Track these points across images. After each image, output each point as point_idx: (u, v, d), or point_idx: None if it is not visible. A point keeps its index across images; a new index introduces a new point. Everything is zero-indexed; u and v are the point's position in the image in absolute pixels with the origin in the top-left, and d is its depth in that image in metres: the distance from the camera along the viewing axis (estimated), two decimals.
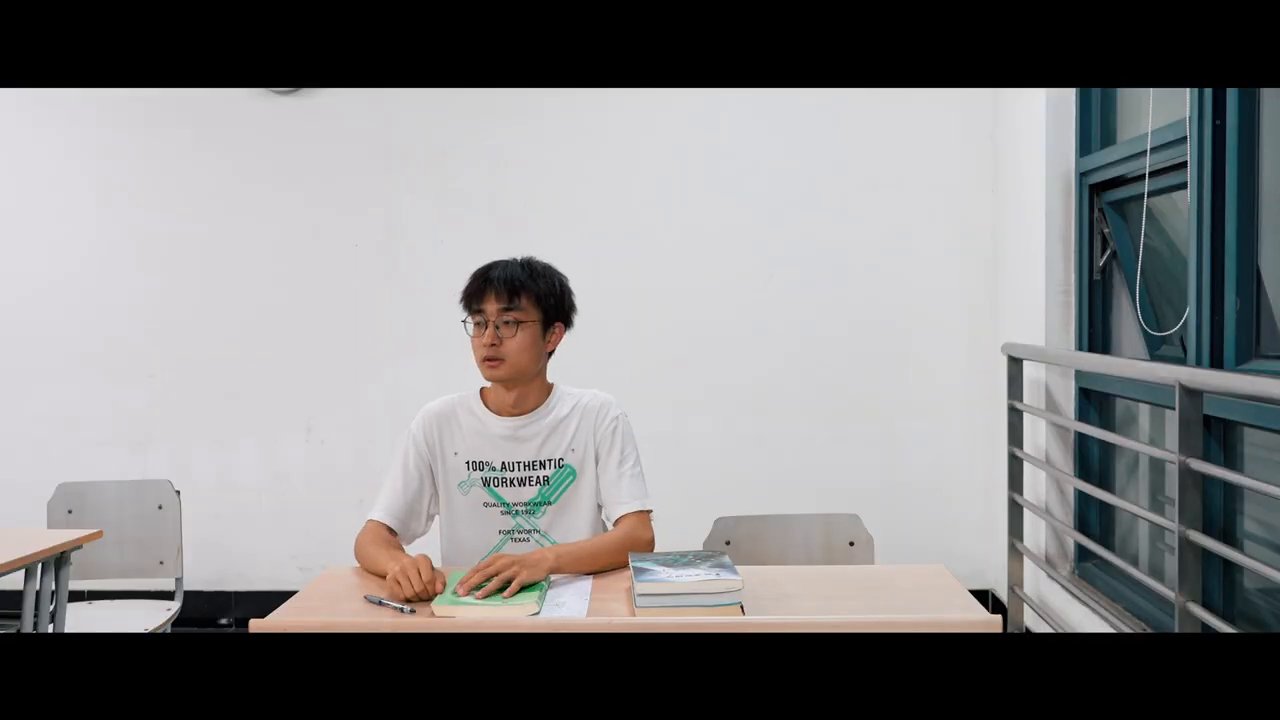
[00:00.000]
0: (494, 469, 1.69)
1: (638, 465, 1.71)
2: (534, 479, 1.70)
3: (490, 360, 1.64)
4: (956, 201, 3.12)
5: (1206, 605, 1.79)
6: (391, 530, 1.68)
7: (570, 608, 1.41)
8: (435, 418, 1.72)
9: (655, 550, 1.63)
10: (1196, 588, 1.77)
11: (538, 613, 1.38)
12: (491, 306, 1.64)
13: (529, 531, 1.70)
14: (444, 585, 1.46)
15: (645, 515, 1.67)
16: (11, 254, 3.29)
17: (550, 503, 1.70)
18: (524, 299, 1.65)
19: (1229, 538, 1.89)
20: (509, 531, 1.70)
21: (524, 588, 1.45)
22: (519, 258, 1.70)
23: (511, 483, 1.70)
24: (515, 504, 1.70)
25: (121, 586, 2.72)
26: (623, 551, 1.58)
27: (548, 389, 1.74)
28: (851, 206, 3.13)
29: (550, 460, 1.70)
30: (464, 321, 1.68)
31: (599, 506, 1.72)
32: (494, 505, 1.70)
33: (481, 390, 1.75)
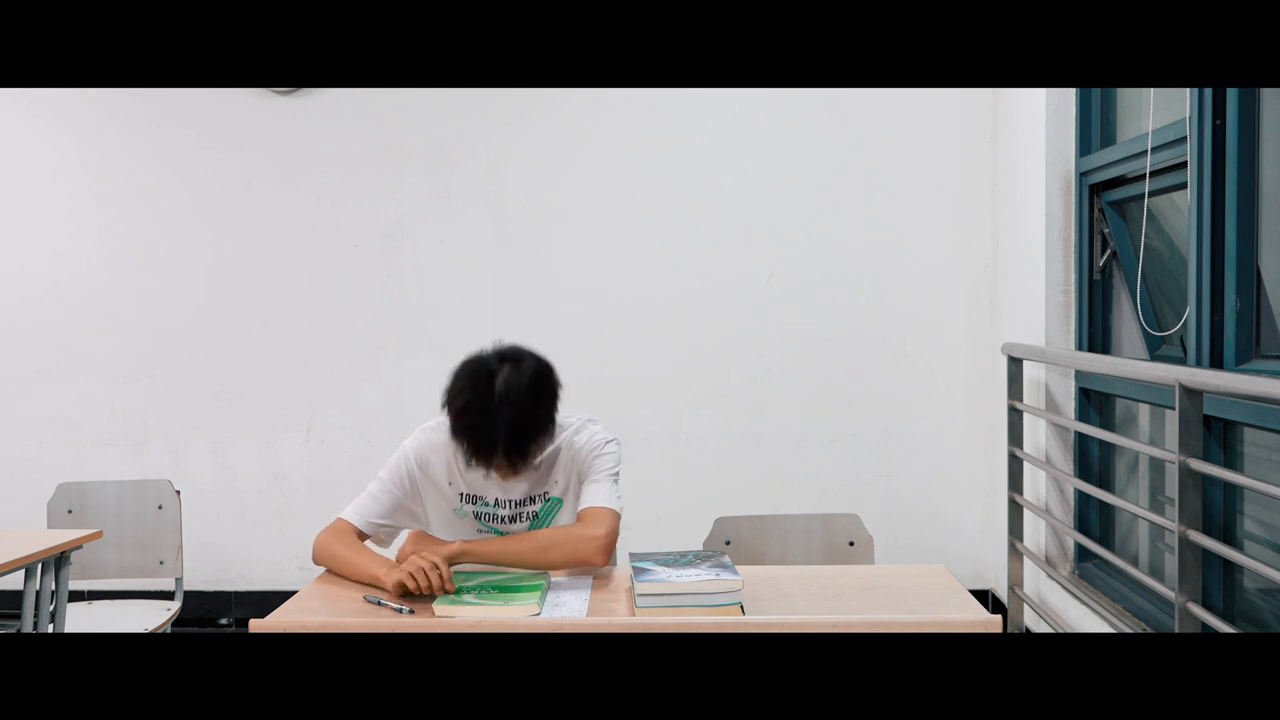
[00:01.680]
0: (486, 504, 1.67)
1: (614, 477, 1.66)
2: (525, 514, 1.68)
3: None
4: (956, 201, 3.12)
5: (1206, 605, 1.79)
6: (361, 535, 1.66)
7: (570, 608, 1.41)
8: (431, 446, 1.68)
9: (654, 551, 1.63)
10: (1196, 587, 1.77)
11: (538, 613, 1.38)
12: (502, 471, 1.57)
13: None
14: (453, 585, 1.46)
15: (605, 511, 1.60)
16: (10, 254, 3.29)
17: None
18: (530, 457, 1.55)
19: (1229, 538, 1.89)
20: None
21: (524, 588, 1.46)
22: (501, 388, 1.50)
23: (503, 519, 1.68)
24: (507, 534, 1.68)
25: (121, 586, 2.72)
26: (555, 542, 1.55)
27: None
28: (851, 206, 3.13)
29: (539, 495, 1.68)
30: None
31: None
32: (486, 531, 1.70)
33: None
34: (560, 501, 1.69)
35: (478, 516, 1.68)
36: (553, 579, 1.56)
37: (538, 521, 1.68)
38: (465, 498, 1.68)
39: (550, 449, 1.64)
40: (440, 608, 1.39)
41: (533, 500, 1.68)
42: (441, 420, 1.64)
